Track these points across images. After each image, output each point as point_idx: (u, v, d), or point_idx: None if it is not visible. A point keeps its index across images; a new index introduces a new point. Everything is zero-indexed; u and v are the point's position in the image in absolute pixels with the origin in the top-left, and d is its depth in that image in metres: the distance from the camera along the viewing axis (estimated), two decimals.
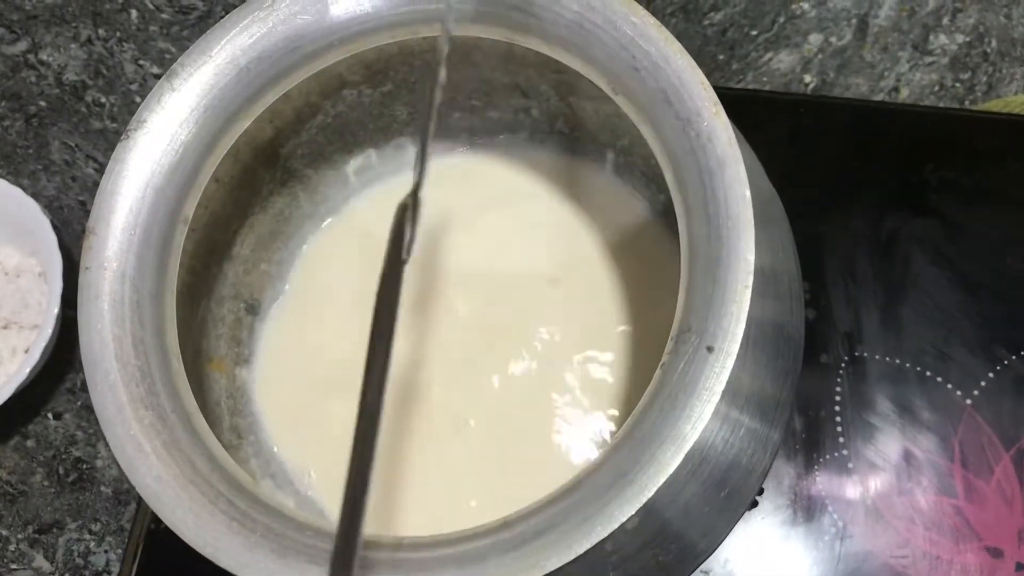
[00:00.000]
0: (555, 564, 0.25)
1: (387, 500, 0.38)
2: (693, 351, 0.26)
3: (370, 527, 0.26)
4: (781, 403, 0.34)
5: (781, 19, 0.57)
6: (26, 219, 0.51)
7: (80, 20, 0.60)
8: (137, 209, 0.32)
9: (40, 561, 0.50)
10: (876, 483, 0.42)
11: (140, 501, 0.48)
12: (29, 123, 0.58)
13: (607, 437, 0.38)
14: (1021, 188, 0.47)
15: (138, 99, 0.58)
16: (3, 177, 0.53)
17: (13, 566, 0.50)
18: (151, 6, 0.59)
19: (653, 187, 0.41)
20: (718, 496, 0.32)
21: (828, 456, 0.43)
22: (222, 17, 0.34)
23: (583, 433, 0.38)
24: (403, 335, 0.42)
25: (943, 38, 0.56)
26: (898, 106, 0.54)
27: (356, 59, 0.36)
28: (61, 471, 0.52)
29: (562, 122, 0.42)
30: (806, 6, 0.57)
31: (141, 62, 0.59)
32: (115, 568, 0.50)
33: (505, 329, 0.41)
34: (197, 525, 0.28)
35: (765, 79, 0.56)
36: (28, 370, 0.48)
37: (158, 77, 0.57)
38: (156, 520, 0.45)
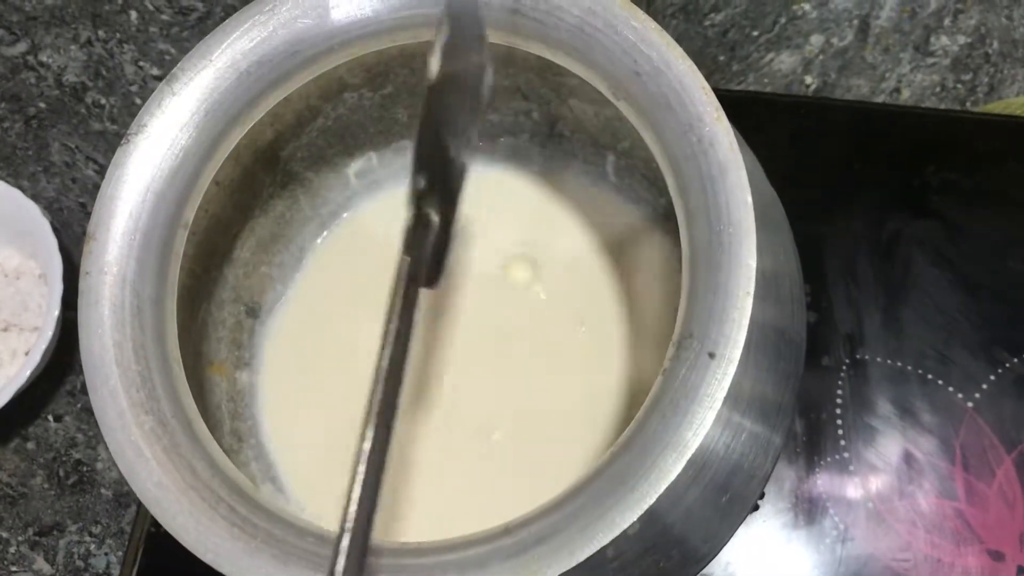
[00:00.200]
0: (557, 571, 0.25)
1: (390, 505, 0.38)
2: (695, 357, 0.26)
3: (381, 531, 0.25)
4: (783, 407, 0.33)
5: (782, 20, 0.57)
6: (26, 221, 0.51)
7: (80, 21, 0.59)
8: (137, 214, 0.32)
9: (40, 563, 0.50)
10: (877, 486, 0.42)
11: (140, 504, 0.48)
12: (29, 125, 0.58)
13: (608, 444, 0.38)
14: (1022, 190, 0.47)
15: (138, 100, 0.58)
16: (3, 179, 0.53)
17: (13, 568, 0.50)
18: (151, 7, 0.59)
19: (654, 190, 0.41)
20: (720, 501, 0.31)
21: (829, 459, 0.43)
22: (222, 18, 0.34)
23: (583, 440, 0.38)
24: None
25: (944, 39, 0.56)
26: (899, 107, 0.54)
27: (357, 62, 0.36)
28: (61, 473, 0.52)
29: (563, 125, 0.42)
30: (807, 7, 0.57)
31: (141, 63, 0.59)
32: (115, 571, 0.50)
33: (505, 331, 0.41)
34: (198, 531, 0.28)
35: (766, 80, 0.56)
36: (28, 372, 0.48)
37: (158, 78, 0.57)
38: (156, 523, 0.45)
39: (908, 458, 0.43)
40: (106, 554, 0.50)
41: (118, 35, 0.59)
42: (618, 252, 0.41)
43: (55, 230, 0.51)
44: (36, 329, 0.52)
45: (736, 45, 0.57)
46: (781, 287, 0.34)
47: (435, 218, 0.27)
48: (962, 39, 0.56)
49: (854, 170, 0.49)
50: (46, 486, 0.51)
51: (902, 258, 0.46)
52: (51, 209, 0.56)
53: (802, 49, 0.56)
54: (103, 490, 0.51)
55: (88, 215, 0.54)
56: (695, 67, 0.29)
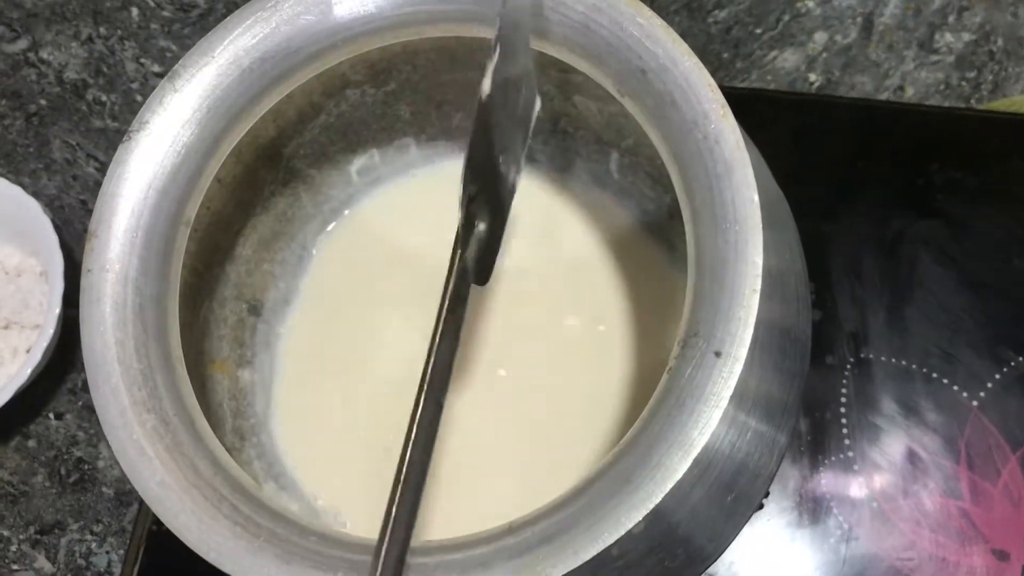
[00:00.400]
0: (561, 571, 0.25)
1: None
2: (700, 356, 0.26)
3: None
4: (788, 406, 0.33)
5: (786, 17, 0.57)
6: (27, 218, 0.51)
7: (80, 18, 0.59)
8: (139, 211, 0.32)
9: (42, 562, 0.50)
10: (882, 485, 0.42)
11: (142, 502, 0.47)
12: (29, 122, 0.58)
13: (613, 443, 0.38)
14: None
15: (139, 98, 0.58)
16: (3, 176, 0.53)
17: (15, 567, 0.50)
18: (152, 4, 0.59)
19: (659, 188, 0.41)
20: (725, 500, 0.31)
21: (833, 458, 0.43)
22: (223, 15, 0.34)
23: (587, 439, 0.38)
24: (411, 339, 0.42)
25: (949, 37, 0.56)
26: (903, 105, 0.53)
27: (359, 59, 0.36)
28: (63, 471, 0.51)
29: (566, 122, 0.41)
30: (811, 4, 0.57)
31: (142, 60, 0.58)
32: (117, 569, 0.50)
33: (509, 330, 0.41)
34: (200, 530, 0.28)
35: (770, 78, 0.56)
36: (29, 370, 0.48)
37: (159, 75, 0.57)
38: (158, 521, 0.44)
39: (912, 457, 0.42)
40: (107, 552, 0.50)
41: (119, 32, 0.59)
42: (621, 250, 0.41)
43: (56, 228, 0.51)
44: (37, 327, 0.52)
45: (739, 42, 0.56)
46: (787, 286, 0.33)
47: (481, 225, 0.29)
48: (967, 36, 0.56)
49: (858, 168, 0.48)
50: (47, 484, 0.51)
51: (906, 256, 0.46)
52: (52, 207, 0.56)
53: (806, 46, 0.56)
54: (104, 488, 0.51)
55: (89, 213, 0.54)
56: (701, 64, 0.29)
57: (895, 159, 0.48)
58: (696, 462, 0.26)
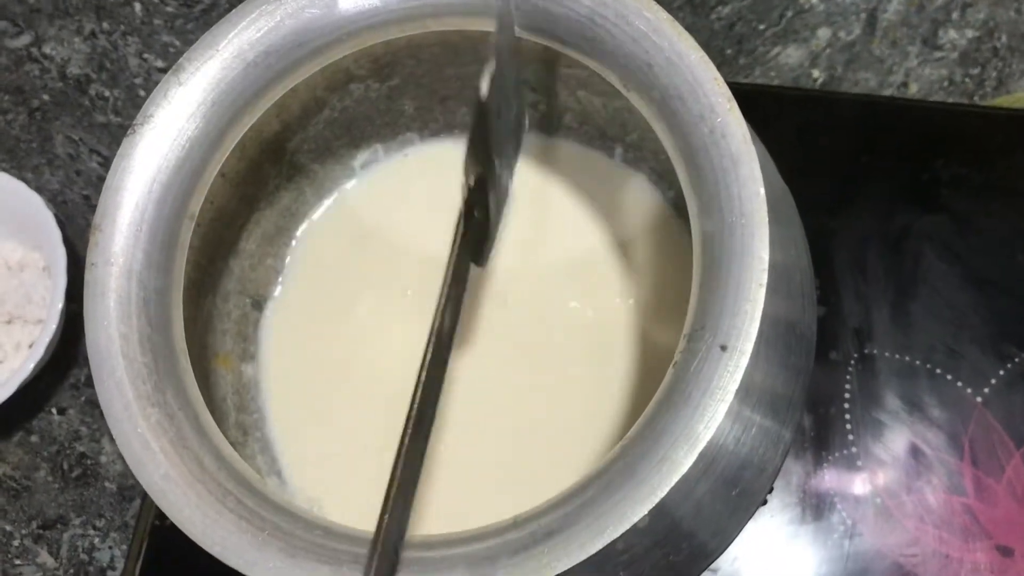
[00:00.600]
0: (566, 564, 0.25)
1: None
2: (706, 349, 0.26)
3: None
4: (793, 401, 0.33)
5: (789, 13, 0.57)
6: (30, 213, 0.51)
7: (83, 13, 0.59)
8: (143, 205, 0.32)
9: (44, 557, 0.50)
10: (885, 481, 0.42)
11: (145, 497, 0.48)
12: (32, 117, 0.58)
13: (617, 438, 0.38)
14: None
15: (142, 93, 0.58)
16: (7, 171, 0.53)
17: (17, 562, 0.50)
18: None
19: (663, 183, 0.41)
20: (729, 495, 0.31)
21: (837, 454, 0.43)
22: (226, 10, 0.34)
23: (591, 434, 0.38)
24: (411, 330, 0.42)
25: (952, 33, 0.56)
26: (908, 101, 0.53)
27: (363, 53, 0.36)
28: (65, 466, 0.51)
29: (570, 117, 0.41)
30: (814, 0, 0.56)
31: (145, 56, 0.58)
32: (120, 564, 0.50)
33: (509, 326, 0.41)
34: (205, 523, 0.28)
35: (773, 74, 0.56)
36: (32, 365, 0.48)
37: (162, 71, 0.57)
38: (161, 516, 0.45)
39: (916, 453, 0.42)
40: (110, 547, 0.50)
41: (122, 27, 0.59)
42: (625, 245, 0.41)
43: (59, 223, 0.51)
44: (40, 322, 0.52)
45: (743, 38, 0.56)
46: (792, 281, 0.33)
47: (480, 212, 0.30)
48: (970, 33, 0.56)
49: (862, 164, 0.48)
50: (50, 479, 0.51)
51: (911, 252, 0.46)
52: (55, 202, 0.56)
53: (809, 43, 0.56)
54: (107, 483, 0.51)
55: (92, 208, 0.54)
56: (707, 58, 0.29)
57: (899, 155, 0.48)
58: (701, 456, 0.26)
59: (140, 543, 0.45)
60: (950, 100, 0.55)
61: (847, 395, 0.44)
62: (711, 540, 0.33)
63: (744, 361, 0.26)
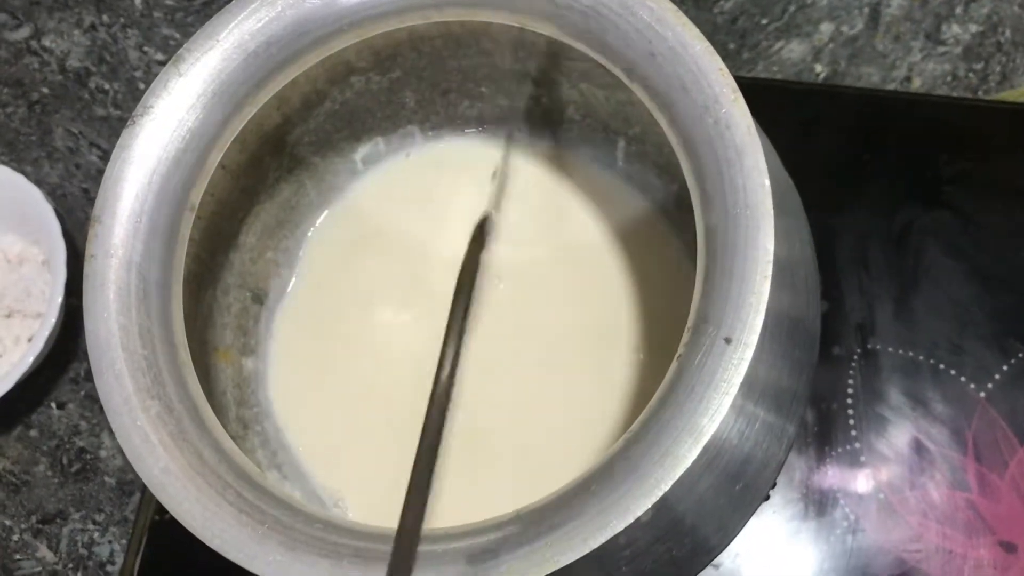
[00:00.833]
0: (569, 558, 0.25)
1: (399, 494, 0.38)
2: (710, 342, 0.26)
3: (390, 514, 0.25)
4: (797, 396, 0.33)
5: (792, 8, 0.56)
6: (29, 207, 0.51)
7: (83, 6, 0.59)
8: (143, 196, 0.31)
9: (44, 551, 0.50)
10: (888, 476, 0.42)
11: (144, 491, 0.47)
12: (32, 110, 0.58)
13: (620, 432, 0.37)
14: None
15: (142, 86, 0.58)
16: (6, 164, 0.53)
17: (17, 556, 0.50)
18: None
19: (666, 177, 0.40)
20: (733, 490, 0.31)
21: (840, 449, 0.43)
22: (226, 2, 0.33)
23: (594, 428, 0.37)
24: (411, 328, 0.42)
25: (956, 28, 0.55)
26: (911, 96, 0.53)
27: (364, 45, 0.35)
28: (65, 461, 0.51)
29: (573, 110, 0.41)
30: None
31: (145, 49, 0.58)
32: (119, 559, 0.50)
33: (512, 320, 0.40)
34: (205, 517, 0.28)
35: (776, 68, 0.55)
36: (31, 359, 0.48)
37: (162, 64, 0.56)
38: (160, 511, 0.45)
39: (920, 449, 0.42)
40: (110, 542, 0.50)
41: (122, 20, 0.59)
42: (627, 239, 0.41)
43: (58, 216, 0.50)
44: (39, 315, 0.51)
45: (745, 33, 0.56)
46: (796, 275, 0.33)
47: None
48: (974, 28, 0.55)
49: (865, 159, 0.48)
50: (49, 474, 0.51)
51: (914, 248, 0.46)
52: (54, 195, 0.56)
53: (812, 37, 0.56)
54: (106, 478, 0.51)
55: (91, 201, 0.54)
56: (712, 48, 0.28)
57: (903, 150, 0.48)
58: (705, 450, 0.25)
59: (140, 538, 0.45)
60: (954, 95, 0.54)
61: (850, 390, 0.43)
62: (714, 535, 0.33)
63: (749, 354, 0.26)
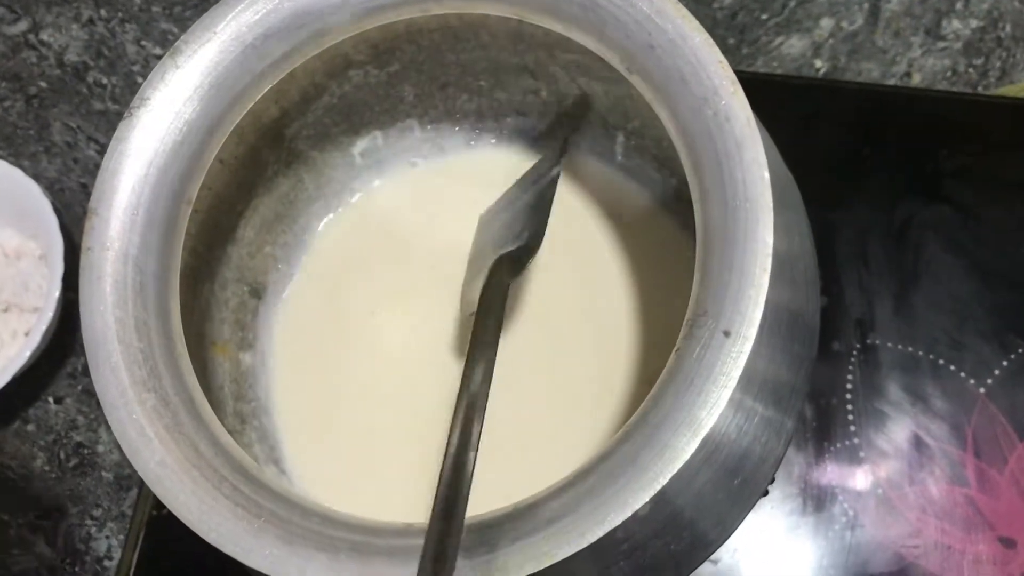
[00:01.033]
0: (567, 552, 0.25)
1: (394, 489, 0.38)
2: (709, 335, 0.26)
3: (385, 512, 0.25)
4: (796, 390, 0.33)
5: (792, 3, 0.56)
6: (27, 201, 0.51)
7: (81, 0, 0.59)
8: (140, 189, 0.31)
9: (41, 546, 0.50)
10: (887, 472, 0.42)
11: (142, 487, 0.47)
12: (30, 104, 0.57)
13: (619, 426, 0.37)
14: None
15: (140, 80, 0.57)
16: (4, 158, 0.53)
17: (14, 551, 0.50)
18: None
19: (664, 171, 0.40)
20: (731, 484, 0.31)
21: (839, 445, 0.42)
22: None
23: (593, 422, 0.37)
24: (409, 324, 0.42)
25: (956, 23, 0.55)
26: (912, 90, 0.53)
27: (362, 38, 0.35)
28: (62, 456, 0.51)
29: (572, 104, 0.41)
30: None
31: (143, 43, 0.58)
32: (116, 554, 0.49)
33: (512, 313, 0.40)
34: (200, 510, 0.28)
35: (775, 64, 0.55)
36: (28, 353, 0.48)
37: (160, 58, 0.56)
38: (158, 506, 0.45)
39: (919, 444, 0.42)
40: (107, 537, 0.50)
41: (120, 14, 0.58)
42: (626, 233, 0.41)
43: (56, 210, 0.50)
44: (36, 310, 0.51)
45: (745, 28, 0.56)
46: (796, 269, 0.33)
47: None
48: (974, 23, 0.55)
49: (865, 154, 0.48)
50: (47, 469, 0.51)
51: (914, 243, 0.46)
52: (52, 190, 0.56)
53: (812, 33, 0.56)
54: (104, 473, 0.51)
55: (89, 195, 0.54)
56: (711, 40, 0.28)
57: (903, 145, 0.48)
58: (703, 444, 0.25)
59: (137, 533, 0.44)
60: (954, 90, 0.54)
61: (849, 386, 0.43)
62: (712, 530, 0.33)
63: (747, 347, 0.25)
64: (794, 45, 0.56)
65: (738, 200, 0.27)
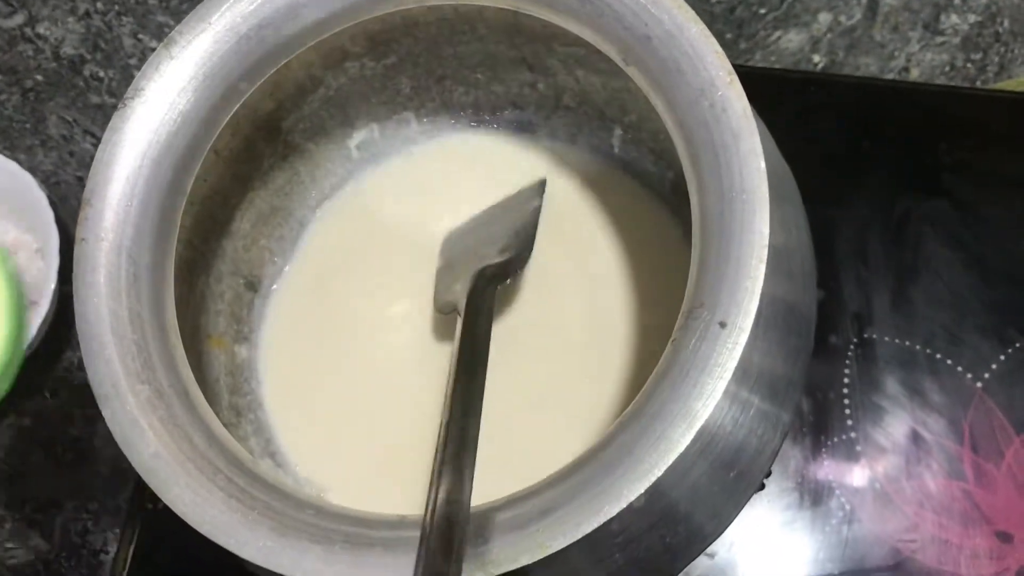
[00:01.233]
0: (561, 544, 0.25)
1: (391, 483, 0.38)
2: (705, 327, 0.26)
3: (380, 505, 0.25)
4: (792, 383, 0.33)
5: None
6: (23, 194, 0.51)
7: None
8: (134, 180, 0.31)
9: (37, 540, 0.50)
10: (884, 466, 0.42)
11: (138, 481, 0.47)
12: (26, 97, 0.57)
13: (614, 419, 0.37)
14: None
15: (136, 73, 0.57)
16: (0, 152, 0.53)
17: (10, 545, 0.50)
18: None
19: (662, 163, 0.40)
20: (727, 477, 0.31)
21: (836, 439, 0.42)
22: None
23: (588, 416, 0.37)
24: (404, 318, 0.42)
25: (954, 18, 0.55)
26: (910, 85, 0.53)
27: (359, 29, 0.35)
28: (58, 450, 0.51)
29: (569, 97, 0.41)
30: None
31: (140, 36, 0.58)
32: (113, 547, 0.49)
33: (508, 306, 0.40)
34: (195, 502, 0.28)
35: (773, 58, 0.55)
36: (25, 347, 0.47)
37: None
38: (154, 500, 0.44)
39: (916, 438, 0.42)
40: (103, 531, 0.50)
41: (116, 7, 0.58)
42: (623, 225, 0.41)
43: (52, 204, 0.50)
44: (33, 303, 0.51)
45: (743, 23, 0.56)
46: (793, 262, 0.33)
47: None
48: (972, 18, 0.55)
49: (863, 149, 0.48)
50: (43, 463, 0.51)
51: (912, 237, 0.45)
52: (48, 183, 0.56)
53: (810, 27, 0.56)
54: (100, 467, 0.51)
55: None
56: (708, 31, 0.28)
57: (901, 140, 0.48)
58: (698, 436, 0.25)
59: (133, 527, 0.44)
60: (952, 85, 0.54)
61: (846, 380, 0.43)
62: (708, 523, 0.33)
63: (743, 338, 0.25)
64: (792, 40, 0.55)
65: (735, 191, 0.27)
